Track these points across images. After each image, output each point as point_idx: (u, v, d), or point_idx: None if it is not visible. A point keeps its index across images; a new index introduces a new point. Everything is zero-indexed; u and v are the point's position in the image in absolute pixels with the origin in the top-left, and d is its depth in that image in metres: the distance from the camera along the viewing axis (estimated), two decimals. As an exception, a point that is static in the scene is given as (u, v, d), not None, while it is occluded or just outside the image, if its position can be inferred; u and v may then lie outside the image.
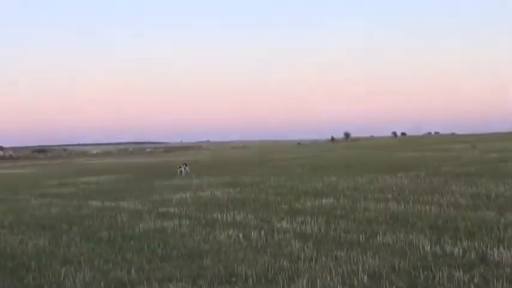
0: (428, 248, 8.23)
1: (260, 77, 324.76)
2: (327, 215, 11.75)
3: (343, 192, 15.77)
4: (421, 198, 13.63)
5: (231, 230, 10.46)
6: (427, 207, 12.06)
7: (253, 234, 9.97)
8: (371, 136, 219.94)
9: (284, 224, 10.95)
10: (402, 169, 23.62)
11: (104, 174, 33.36)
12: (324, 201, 14.14)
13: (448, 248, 8.15)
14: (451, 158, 31.59)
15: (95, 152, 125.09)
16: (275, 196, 15.91)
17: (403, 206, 12.52)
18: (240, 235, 9.94)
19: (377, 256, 7.85)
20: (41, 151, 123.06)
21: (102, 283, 7.25)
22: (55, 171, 44.32)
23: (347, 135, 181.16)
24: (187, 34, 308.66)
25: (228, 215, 12.42)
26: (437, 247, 8.24)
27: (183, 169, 27.70)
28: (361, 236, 9.32)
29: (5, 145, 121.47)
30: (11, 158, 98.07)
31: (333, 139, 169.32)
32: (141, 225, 11.76)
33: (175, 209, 14.11)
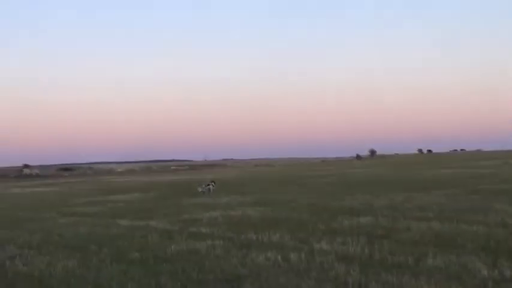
0: (486, 272, 7.62)
1: (280, 94, 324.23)
2: (367, 235, 11.17)
3: (380, 211, 15.15)
4: (464, 218, 12.97)
5: (269, 252, 9.93)
6: (474, 227, 11.42)
7: (293, 256, 9.43)
8: (395, 153, 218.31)
9: (324, 244, 10.38)
10: (437, 187, 22.92)
11: (131, 192, 33.03)
12: (361, 220, 13.55)
13: (507, 273, 7.54)
14: (486, 175, 30.72)
15: (120, 170, 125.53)
16: (309, 215, 15.33)
17: (447, 225, 11.89)
18: (279, 257, 9.40)
19: (431, 281, 7.27)
20: (66, 169, 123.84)
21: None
22: (81, 189, 44.14)
23: (372, 152, 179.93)
24: (198, 54, 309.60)
25: (263, 236, 11.89)
26: (496, 271, 7.63)
27: (211, 187, 27.13)
28: (409, 258, 8.73)
29: (31, 163, 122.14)
30: (37, 176, 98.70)
31: (358, 156, 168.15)
32: (172, 246, 11.26)
33: (207, 229, 13.61)
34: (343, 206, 17.12)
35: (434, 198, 18.11)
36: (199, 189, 27.11)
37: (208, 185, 27.40)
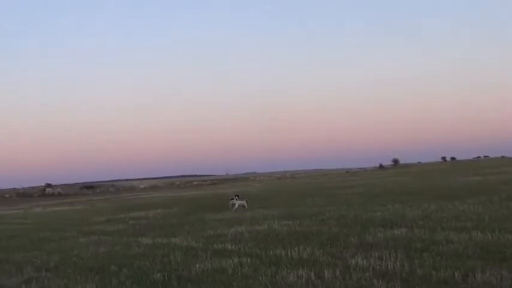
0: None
1: (300, 105, 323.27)
2: (405, 248, 10.40)
3: (415, 222, 14.33)
4: (506, 227, 12.12)
5: (300, 269, 9.21)
6: (520, 237, 10.58)
7: (327, 273, 8.71)
8: (419, 162, 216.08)
9: (359, 260, 9.62)
10: (469, 195, 21.99)
11: (153, 208, 32.46)
12: (396, 232, 12.75)
13: None
14: (518, 181, 29.68)
15: (142, 186, 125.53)
16: (339, 228, 14.57)
17: (490, 236, 11.06)
18: (312, 275, 8.69)
19: (486, 300, 6.50)
20: (89, 187, 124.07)
21: None
22: (103, 207, 43.78)
23: (396, 161, 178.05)
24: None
25: (293, 251, 11.17)
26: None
27: (235, 201, 26.34)
28: (455, 273, 7.97)
29: (54, 183, 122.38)
30: (59, 195, 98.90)
31: (381, 166, 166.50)
32: (197, 265, 10.58)
33: (232, 246, 12.91)
34: (374, 218, 16.33)
35: (470, 206, 17.22)
36: (231, 204, 26.13)
37: (232, 198, 26.67)
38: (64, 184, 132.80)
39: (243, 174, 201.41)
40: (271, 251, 11.49)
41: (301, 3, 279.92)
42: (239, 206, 25.65)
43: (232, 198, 26.68)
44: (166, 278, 9.57)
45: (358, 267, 9.04)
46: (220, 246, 13.13)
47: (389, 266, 8.90)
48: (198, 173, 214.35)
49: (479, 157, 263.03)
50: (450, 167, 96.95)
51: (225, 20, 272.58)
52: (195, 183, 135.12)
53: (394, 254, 9.81)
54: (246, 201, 26.24)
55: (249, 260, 10.62)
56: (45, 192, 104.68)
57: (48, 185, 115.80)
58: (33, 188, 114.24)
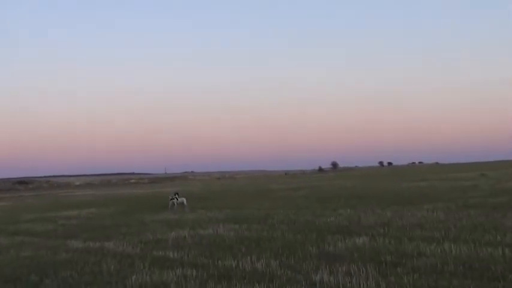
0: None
1: (244, 106, 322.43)
2: (374, 262, 9.07)
3: (375, 229, 13.10)
4: (478, 238, 10.99)
5: (256, 286, 7.78)
6: (500, 250, 9.42)
7: (289, 292, 7.30)
8: (356, 166, 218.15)
9: (325, 276, 8.21)
10: (423, 201, 21.03)
11: (87, 207, 30.48)
12: (357, 241, 11.47)
13: None
14: (468, 187, 28.94)
15: (77, 183, 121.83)
16: (293, 234, 13.20)
17: (465, 248, 9.87)
18: (272, 294, 7.26)
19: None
20: (22, 183, 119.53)
21: None
22: (34, 204, 41.35)
23: (335, 165, 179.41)
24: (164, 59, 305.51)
25: (244, 262, 9.72)
26: None
27: (175, 200, 24.77)
28: (444, 296, 6.68)
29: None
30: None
31: (320, 169, 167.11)
32: (133, 277, 9.01)
33: (174, 253, 11.37)
34: (328, 223, 15.05)
35: (429, 213, 16.15)
36: (170, 203, 24.65)
37: (172, 198, 25.05)
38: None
39: (181, 173, 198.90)
40: (220, 261, 10.01)
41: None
42: (178, 204, 24.25)
43: (172, 198, 25.02)
44: (95, 294, 7.99)
45: (325, 286, 7.68)
46: (160, 253, 11.58)
47: (361, 285, 7.56)
48: (136, 171, 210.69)
49: (414, 163, 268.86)
50: (390, 172, 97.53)
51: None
52: (132, 181, 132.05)
53: (364, 269, 8.48)
54: (186, 200, 24.91)
55: (194, 272, 9.11)
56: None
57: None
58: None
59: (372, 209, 18.64)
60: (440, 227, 12.96)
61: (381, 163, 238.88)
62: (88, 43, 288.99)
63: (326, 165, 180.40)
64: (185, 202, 24.71)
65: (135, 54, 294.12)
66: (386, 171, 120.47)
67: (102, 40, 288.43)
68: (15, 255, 12.75)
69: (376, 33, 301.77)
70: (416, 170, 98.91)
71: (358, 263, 8.94)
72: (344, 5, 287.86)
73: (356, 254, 9.93)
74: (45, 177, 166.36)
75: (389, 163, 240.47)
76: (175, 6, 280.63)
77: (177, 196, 25.17)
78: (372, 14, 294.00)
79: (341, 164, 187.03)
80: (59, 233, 17.37)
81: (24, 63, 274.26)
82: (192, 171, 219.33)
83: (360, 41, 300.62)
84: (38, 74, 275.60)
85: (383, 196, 25.54)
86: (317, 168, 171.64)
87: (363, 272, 8.34)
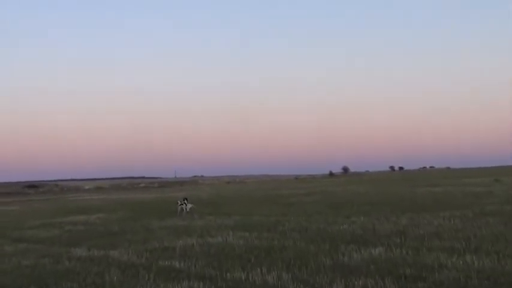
0: None
1: (252, 111, 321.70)
2: (392, 275, 8.52)
3: (390, 239, 12.53)
4: (503, 249, 10.40)
5: (267, 302, 7.27)
6: (527, 264, 8.85)
7: (303, 310, 6.77)
8: (366, 171, 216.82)
9: (341, 291, 7.70)
10: (438, 207, 20.42)
11: (95, 212, 30.04)
12: (373, 252, 10.92)
13: None
14: (482, 193, 28.23)
15: (87, 187, 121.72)
16: (305, 243, 12.67)
17: (488, 261, 9.30)
18: (284, 312, 6.74)
19: None
20: (31, 186, 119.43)
21: None
22: (42, 208, 40.97)
23: (345, 169, 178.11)
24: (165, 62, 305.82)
25: (255, 274, 9.20)
26: None
27: (184, 206, 24.24)
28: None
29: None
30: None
31: (331, 174, 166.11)
32: (137, 289, 8.52)
33: (181, 263, 10.87)
34: (342, 232, 14.50)
35: (446, 222, 15.55)
36: (179, 208, 24.17)
37: (181, 204, 24.55)
38: (5, 182, 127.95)
39: (191, 177, 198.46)
40: (228, 273, 9.50)
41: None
42: (188, 209, 23.76)
43: (181, 204, 24.51)
44: (96, 309, 7.50)
45: (341, 302, 7.15)
46: (166, 263, 11.10)
47: (381, 302, 7.03)
48: (146, 175, 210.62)
49: (425, 167, 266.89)
50: (401, 177, 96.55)
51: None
52: (142, 185, 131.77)
53: (382, 283, 7.95)
54: (192, 207, 24.43)
55: (201, 285, 8.61)
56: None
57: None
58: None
59: (386, 216, 18.05)
60: (459, 236, 12.39)
61: (391, 168, 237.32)
62: (88, 43, 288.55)
63: (337, 169, 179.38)
64: (193, 207, 24.21)
65: (135, 54, 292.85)
66: (397, 175, 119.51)
67: (102, 40, 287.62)
68: (17, 263, 12.30)
69: (376, 33, 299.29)
70: (427, 175, 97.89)
71: (376, 277, 8.42)
72: (344, 5, 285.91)
73: (372, 266, 9.40)
74: (55, 181, 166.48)
75: (401, 168, 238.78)
76: (176, 6, 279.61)
77: (185, 202, 24.68)
78: (372, 14, 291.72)
79: (352, 169, 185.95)
80: (63, 239, 16.93)
81: (24, 63, 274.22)
82: (202, 176, 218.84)
83: (360, 41, 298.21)
84: (38, 74, 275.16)
85: (396, 202, 24.92)
86: (328, 172, 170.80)
87: (381, 287, 7.82)
